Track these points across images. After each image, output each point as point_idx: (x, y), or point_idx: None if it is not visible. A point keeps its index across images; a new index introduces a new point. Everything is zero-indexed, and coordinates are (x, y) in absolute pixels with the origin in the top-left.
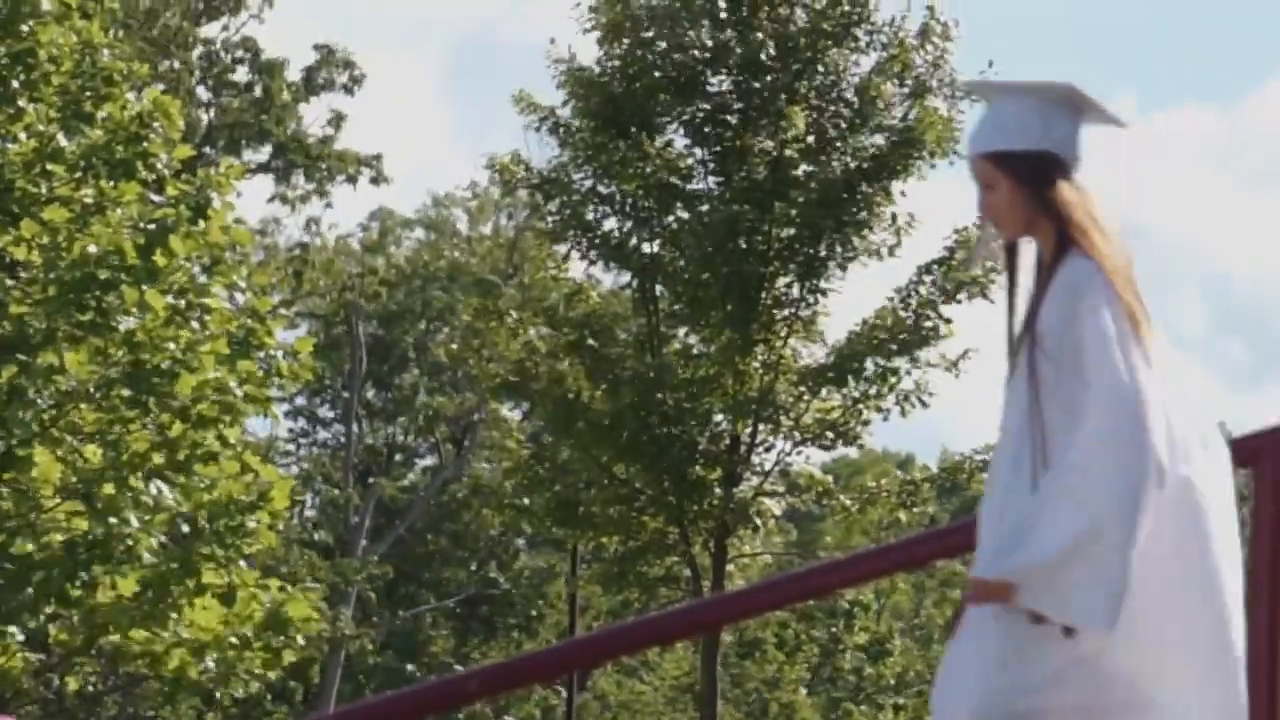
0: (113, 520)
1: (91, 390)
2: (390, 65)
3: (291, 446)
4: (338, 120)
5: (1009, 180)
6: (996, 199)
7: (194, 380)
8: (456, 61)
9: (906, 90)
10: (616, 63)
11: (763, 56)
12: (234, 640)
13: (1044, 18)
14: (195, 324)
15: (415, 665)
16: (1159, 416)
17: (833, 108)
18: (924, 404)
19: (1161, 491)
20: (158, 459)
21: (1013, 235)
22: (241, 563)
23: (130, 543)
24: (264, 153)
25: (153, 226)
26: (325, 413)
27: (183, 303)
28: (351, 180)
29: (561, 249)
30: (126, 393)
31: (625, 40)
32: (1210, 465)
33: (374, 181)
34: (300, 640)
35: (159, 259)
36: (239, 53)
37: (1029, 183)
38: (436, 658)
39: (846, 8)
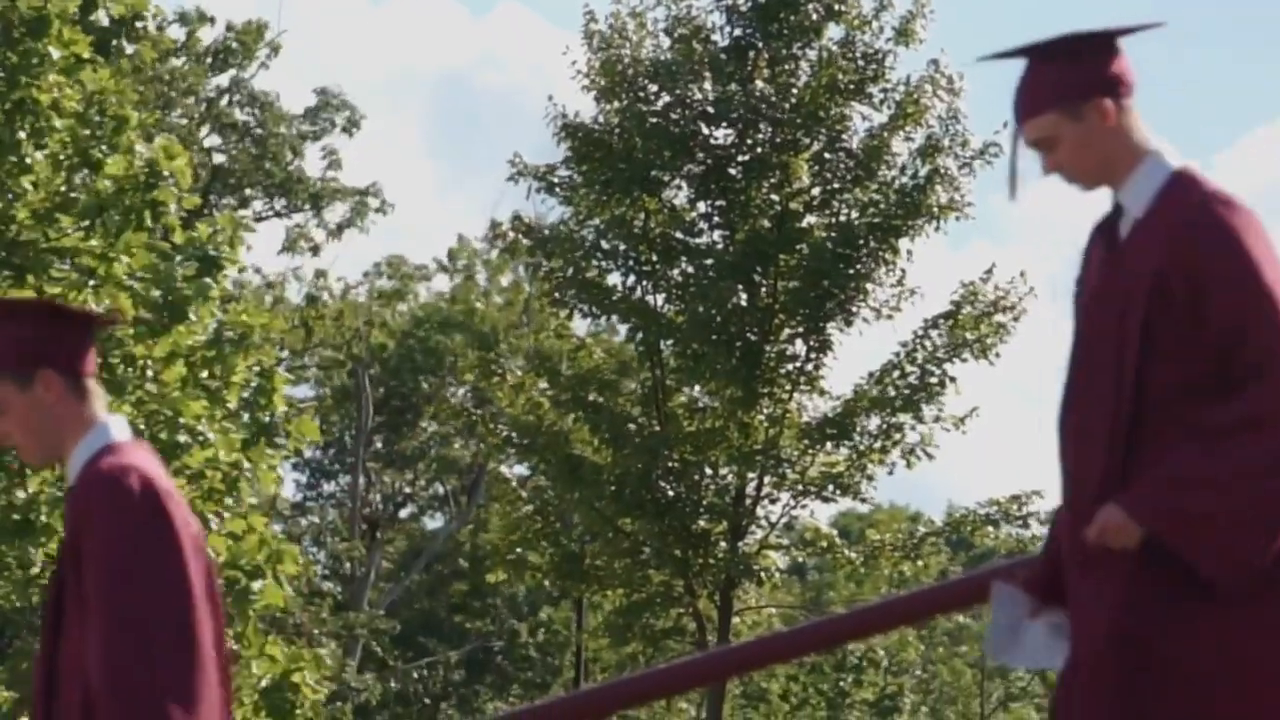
0: None
1: None
2: (375, 111)
3: (298, 498)
4: (336, 161)
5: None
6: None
7: (206, 455)
8: (438, 107)
9: (916, 147)
10: (616, 119)
11: (765, 109)
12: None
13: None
14: (213, 388)
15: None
16: None
17: (839, 162)
18: (929, 456)
19: None
20: None
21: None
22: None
23: None
24: (265, 196)
25: (180, 284)
26: (333, 464)
27: (205, 373)
28: (357, 214)
29: (564, 308)
30: None
31: (624, 97)
32: None
33: (380, 210)
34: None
35: (182, 332)
36: (237, 96)
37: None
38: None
39: (861, 64)
